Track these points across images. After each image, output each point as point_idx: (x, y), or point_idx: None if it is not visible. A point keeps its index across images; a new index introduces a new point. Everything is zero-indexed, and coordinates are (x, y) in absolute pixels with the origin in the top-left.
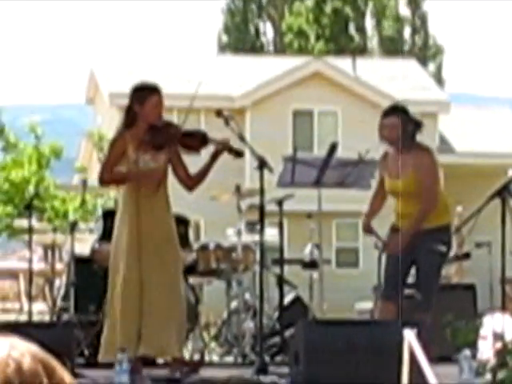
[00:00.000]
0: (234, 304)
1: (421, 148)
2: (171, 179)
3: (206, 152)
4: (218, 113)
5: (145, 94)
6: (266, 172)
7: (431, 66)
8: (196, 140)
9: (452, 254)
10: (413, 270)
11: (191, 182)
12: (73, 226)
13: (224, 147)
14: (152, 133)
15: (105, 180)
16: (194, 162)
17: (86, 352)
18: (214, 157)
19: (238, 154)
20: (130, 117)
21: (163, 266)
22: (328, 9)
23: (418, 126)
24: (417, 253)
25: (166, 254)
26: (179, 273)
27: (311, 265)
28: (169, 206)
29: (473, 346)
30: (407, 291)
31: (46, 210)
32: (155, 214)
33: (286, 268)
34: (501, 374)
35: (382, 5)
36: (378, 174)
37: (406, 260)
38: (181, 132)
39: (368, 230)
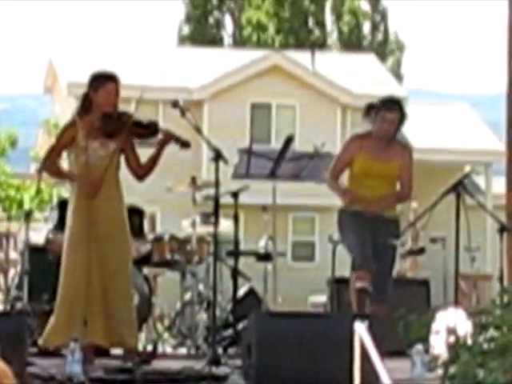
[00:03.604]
0: (187, 295)
1: (402, 144)
2: (125, 170)
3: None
4: (174, 104)
5: (100, 81)
6: (222, 164)
7: (390, 62)
8: (146, 129)
9: (407, 248)
10: None
11: (141, 171)
12: (27, 215)
13: (170, 137)
14: (103, 120)
15: (46, 168)
16: (146, 155)
17: (39, 341)
18: (161, 146)
19: (185, 144)
20: (85, 104)
21: (112, 254)
22: (287, 2)
23: (403, 118)
24: (375, 240)
25: (115, 242)
26: (128, 262)
27: (265, 257)
28: (120, 195)
29: (425, 340)
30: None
31: (1, 199)
32: (106, 202)
33: (241, 260)
34: (452, 369)
35: None
36: (343, 154)
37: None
38: (132, 121)
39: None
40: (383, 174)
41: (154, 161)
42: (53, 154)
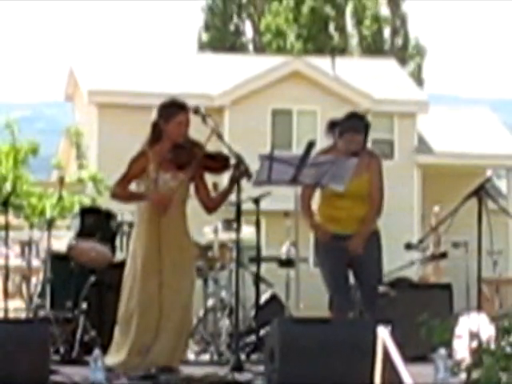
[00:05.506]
0: (210, 302)
1: (369, 152)
2: None
3: None
4: (196, 110)
5: (171, 111)
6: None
7: (411, 67)
8: (218, 163)
9: (429, 253)
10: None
11: (211, 204)
12: (49, 223)
13: (241, 174)
14: (175, 152)
15: (116, 194)
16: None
17: (62, 349)
18: (232, 182)
19: (250, 177)
20: (156, 133)
21: (182, 287)
22: (307, 8)
23: (368, 130)
24: (358, 257)
25: (182, 272)
26: (193, 291)
27: (288, 263)
28: (186, 226)
29: (448, 345)
30: (381, 289)
31: (23, 207)
32: (173, 232)
33: (263, 266)
34: (475, 374)
35: (362, 4)
36: None
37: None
38: (204, 153)
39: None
40: (353, 192)
41: (224, 196)
42: (123, 181)
